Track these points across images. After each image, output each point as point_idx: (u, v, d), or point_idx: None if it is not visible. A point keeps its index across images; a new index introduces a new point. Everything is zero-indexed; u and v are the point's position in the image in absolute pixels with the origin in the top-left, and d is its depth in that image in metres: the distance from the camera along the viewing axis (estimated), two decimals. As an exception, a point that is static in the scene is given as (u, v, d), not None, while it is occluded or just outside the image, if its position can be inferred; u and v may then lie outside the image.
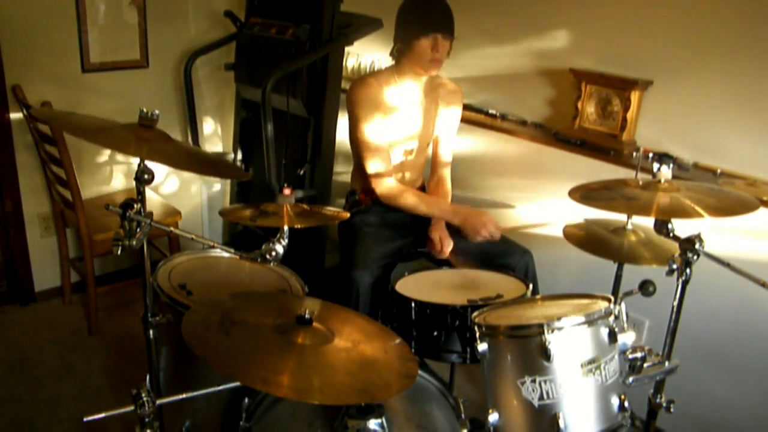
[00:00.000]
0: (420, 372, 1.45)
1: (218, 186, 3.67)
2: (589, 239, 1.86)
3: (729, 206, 1.50)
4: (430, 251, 2.23)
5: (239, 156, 3.35)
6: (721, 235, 1.97)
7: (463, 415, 1.41)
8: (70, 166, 2.60)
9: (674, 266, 1.46)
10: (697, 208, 1.45)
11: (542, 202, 2.59)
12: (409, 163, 2.36)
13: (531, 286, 1.88)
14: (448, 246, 2.19)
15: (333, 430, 1.36)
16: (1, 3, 2.70)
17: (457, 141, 2.46)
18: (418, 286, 1.90)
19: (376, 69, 3.06)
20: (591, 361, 1.32)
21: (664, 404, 1.58)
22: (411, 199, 2.24)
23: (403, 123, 2.28)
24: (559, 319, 1.31)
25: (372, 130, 2.20)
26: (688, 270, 1.45)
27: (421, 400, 1.56)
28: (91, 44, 2.96)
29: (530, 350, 1.32)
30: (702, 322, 2.13)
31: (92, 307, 2.84)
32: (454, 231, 2.21)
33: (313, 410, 1.44)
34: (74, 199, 2.67)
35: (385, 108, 2.22)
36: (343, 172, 3.14)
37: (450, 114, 2.37)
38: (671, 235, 1.49)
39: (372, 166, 2.23)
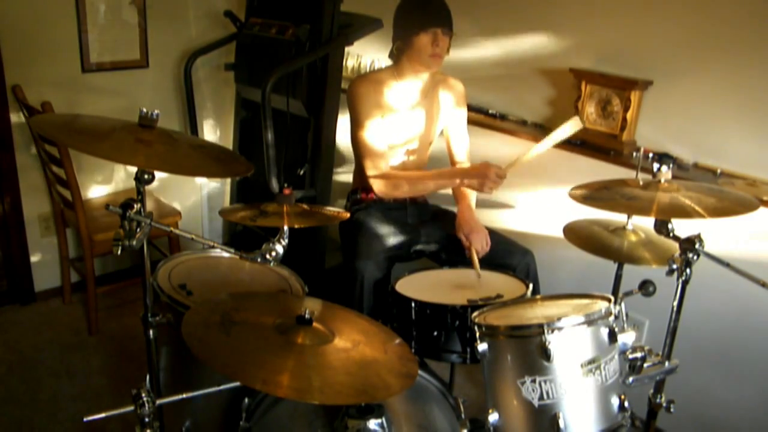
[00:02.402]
0: (420, 372, 1.45)
1: (218, 186, 3.67)
2: (589, 239, 1.86)
3: (729, 206, 1.50)
4: (468, 256, 2.14)
5: (239, 156, 3.36)
6: (721, 235, 1.97)
7: (463, 415, 1.41)
8: (70, 166, 2.60)
9: (674, 266, 1.46)
10: (697, 208, 1.45)
11: (542, 202, 2.59)
12: (412, 162, 2.36)
13: (531, 286, 1.88)
14: (479, 242, 2.13)
15: (333, 430, 1.36)
16: (1, 3, 2.70)
17: (468, 139, 2.43)
18: (418, 286, 1.90)
19: (375, 69, 3.06)
20: (591, 361, 1.32)
21: (664, 404, 1.58)
22: (407, 183, 2.21)
23: (404, 123, 2.28)
24: (559, 319, 1.31)
25: (371, 128, 2.20)
26: (688, 270, 1.46)
27: (421, 400, 1.56)
28: (91, 44, 2.96)
29: (530, 350, 1.32)
30: (702, 322, 2.13)
31: (92, 307, 2.84)
32: (452, 237, 2.20)
33: (313, 410, 1.44)
34: (74, 199, 2.67)
35: (385, 108, 2.22)
36: (343, 172, 3.15)
37: (454, 112, 2.36)
38: (671, 235, 1.49)
39: (369, 164, 2.23)
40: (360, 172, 2.37)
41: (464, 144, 2.42)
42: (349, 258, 2.15)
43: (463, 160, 2.42)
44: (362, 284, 2.04)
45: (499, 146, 2.67)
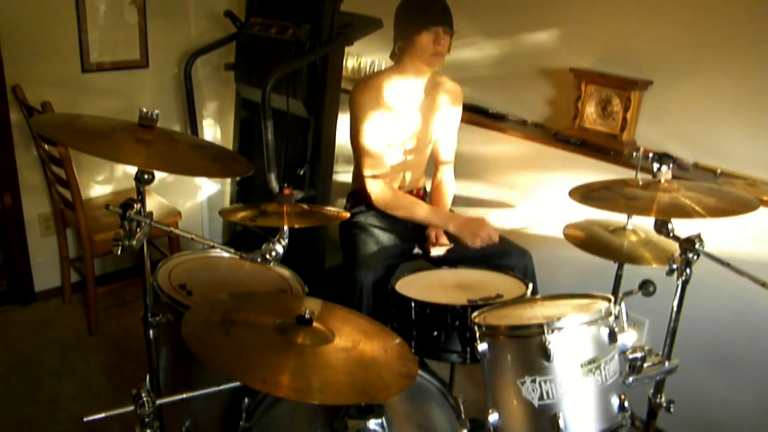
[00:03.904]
0: (420, 372, 1.45)
1: (218, 186, 3.67)
2: (589, 239, 1.86)
3: (729, 206, 1.50)
4: (426, 250, 2.23)
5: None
6: (721, 235, 1.97)
7: (463, 415, 1.41)
8: (70, 166, 2.60)
9: (674, 266, 1.46)
10: (697, 208, 1.45)
11: (542, 202, 2.59)
12: (410, 162, 2.37)
13: (531, 285, 1.88)
14: (443, 241, 2.20)
15: (333, 430, 1.36)
16: (1, 3, 2.70)
17: (456, 140, 2.46)
18: (418, 286, 1.90)
19: (376, 69, 3.06)
20: (591, 361, 1.32)
21: (664, 404, 1.58)
22: (405, 206, 2.25)
23: (404, 122, 2.28)
24: (559, 319, 1.31)
25: (372, 134, 2.21)
26: (688, 270, 1.45)
27: (421, 400, 1.56)
28: (91, 44, 2.96)
29: (530, 350, 1.32)
30: (702, 322, 2.13)
31: (92, 307, 2.84)
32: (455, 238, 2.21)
33: (313, 410, 1.44)
34: (74, 199, 2.67)
35: (386, 109, 2.22)
36: (343, 172, 3.15)
37: (450, 113, 2.38)
38: (671, 235, 1.49)
39: (368, 170, 2.24)
40: (360, 174, 2.38)
41: (453, 145, 2.45)
42: (349, 265, 2.16)
43: (449, 160, 2.46)
44: (361, 292, 2.05)
45: (499, 146, 2.67)
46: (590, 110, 2.36)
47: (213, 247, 1.78)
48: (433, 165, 2.49)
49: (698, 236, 1.43)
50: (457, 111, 2.41)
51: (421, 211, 2.24)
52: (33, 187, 2.98)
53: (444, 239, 2.21)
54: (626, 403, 1.34)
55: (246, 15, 3.11)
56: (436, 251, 2.20)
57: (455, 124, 2.42)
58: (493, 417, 1.37)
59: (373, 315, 1.99)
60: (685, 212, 1.45)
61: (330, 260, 3.01)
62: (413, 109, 2.29)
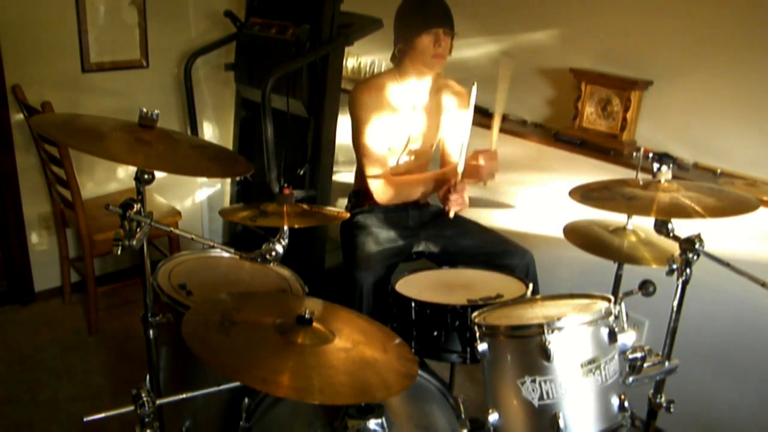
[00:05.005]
0: (420, 372, 1.45)
1: (218, 186, 3.67)
2: (589, 239, 1.86)
3: (729, 206, 1.50)
4: (446, 210, 2.20)
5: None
6: (721, 235, 1.97)
7: (463, 415, 1.41)
8: (70, 166, 2.60)
9: (674, 266, 1.46)
10: (697, 208, 1.45)
11: (542, 202, 2.59)
12: (414, 163, 2.37)
13: (531, 286, 1.88)
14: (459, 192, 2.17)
15: (333, 430, 1.36)
16: (1, 3, 2.70)
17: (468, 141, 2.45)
18: (418, 286, 1.90)
19: (376, 69, 3.06)
20: (591, 361, 1.32)
21: (664, 404, 1.58)
22: (406, 193, 2.26)
23: (407, 124, 2.28)
24: (559, 319, 1.31)
25: (373, 135, 2.21)
26: (688, 270, 1.45)
27: (421, 400, 1.56)
28: (91, 44, 2.97)
29: (530, 350, 1.32)
30: (702, 322, 2.13)
31: (92, 307, 2.84)
32: (451, 238, 2.22)
33: (313, 410, 1.44)
34: (74, 199, 2.67)
35: (387, 111, 2.22)
36: (343, 172, 3.15)
37: (456, 115, 2.37)
38: (671, 235, 1.49)
39: (370, 171, 2.24)
40: (362, 174, 2.38)
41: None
42: (349, 265, 2.16)
43: (458, 161, 2.43)
44: (361, 293, 2.05)
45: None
46: (590, 110, 2.36)
47: (213, 247, 1.78)
48: (439, 165, 2.48)
49: (698, 236, 1.43)
50: (465, 113, 2.39)
51: (422, 186, 2.27)
52: (33, 187, 2.99)
53: (462, 188, 2.17)
54: (626, 403, 1.34)
55: (246, 15, 3.11)
56: (455, 206, 2.16)
57: (466, 126, 2.41)
58: (493, 417, 1.37)
59: (373, 315, 2.00)
60: (685, 212, 1.45)
61: (330, 260, 3.01)
62: (415, 111, 2.29)
